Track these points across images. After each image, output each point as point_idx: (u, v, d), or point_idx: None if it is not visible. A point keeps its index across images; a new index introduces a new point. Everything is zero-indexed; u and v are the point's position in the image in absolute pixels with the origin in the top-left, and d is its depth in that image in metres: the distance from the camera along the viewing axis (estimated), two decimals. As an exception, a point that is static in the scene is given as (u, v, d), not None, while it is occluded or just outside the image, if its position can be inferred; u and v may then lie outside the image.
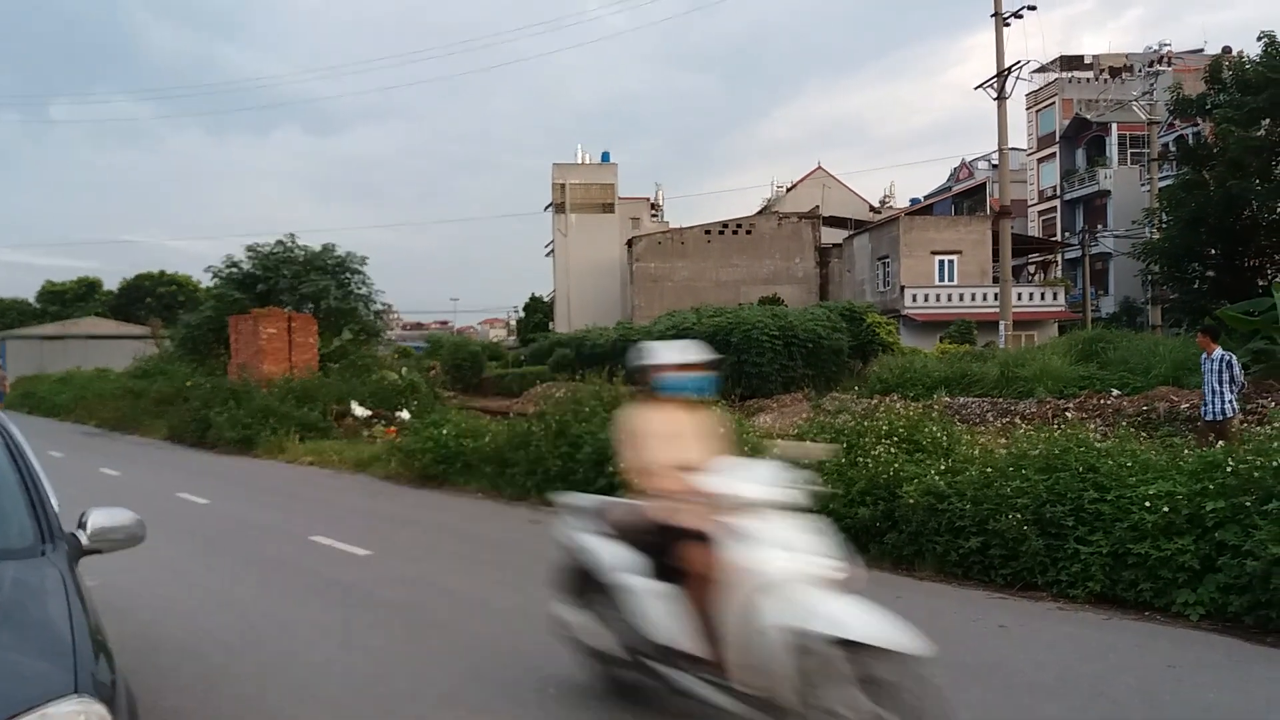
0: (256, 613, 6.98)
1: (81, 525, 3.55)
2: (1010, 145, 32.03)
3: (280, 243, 28.81)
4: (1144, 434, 9.72)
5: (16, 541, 3.38)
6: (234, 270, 28.45)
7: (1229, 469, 6.51)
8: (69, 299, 76.36)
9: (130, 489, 14.44)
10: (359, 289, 29.10)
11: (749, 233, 50.80)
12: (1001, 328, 29.11)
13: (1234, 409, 10.94)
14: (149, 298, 74.70)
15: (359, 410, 21.44)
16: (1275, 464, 6.20)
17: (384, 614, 6.91)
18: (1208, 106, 28.88)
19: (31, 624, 2.81)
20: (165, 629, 6.56)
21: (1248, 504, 6.23)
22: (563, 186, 58.57)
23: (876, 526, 8.19)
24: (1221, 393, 10.86)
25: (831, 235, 51.80)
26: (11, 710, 2.34)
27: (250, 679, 5.47)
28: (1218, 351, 11.01)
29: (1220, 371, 10.87)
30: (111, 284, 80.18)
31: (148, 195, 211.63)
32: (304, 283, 27.49)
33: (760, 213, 59.04)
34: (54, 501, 3.65)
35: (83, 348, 55.16)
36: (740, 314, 25.71)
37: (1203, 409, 11.29)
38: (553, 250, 60.75)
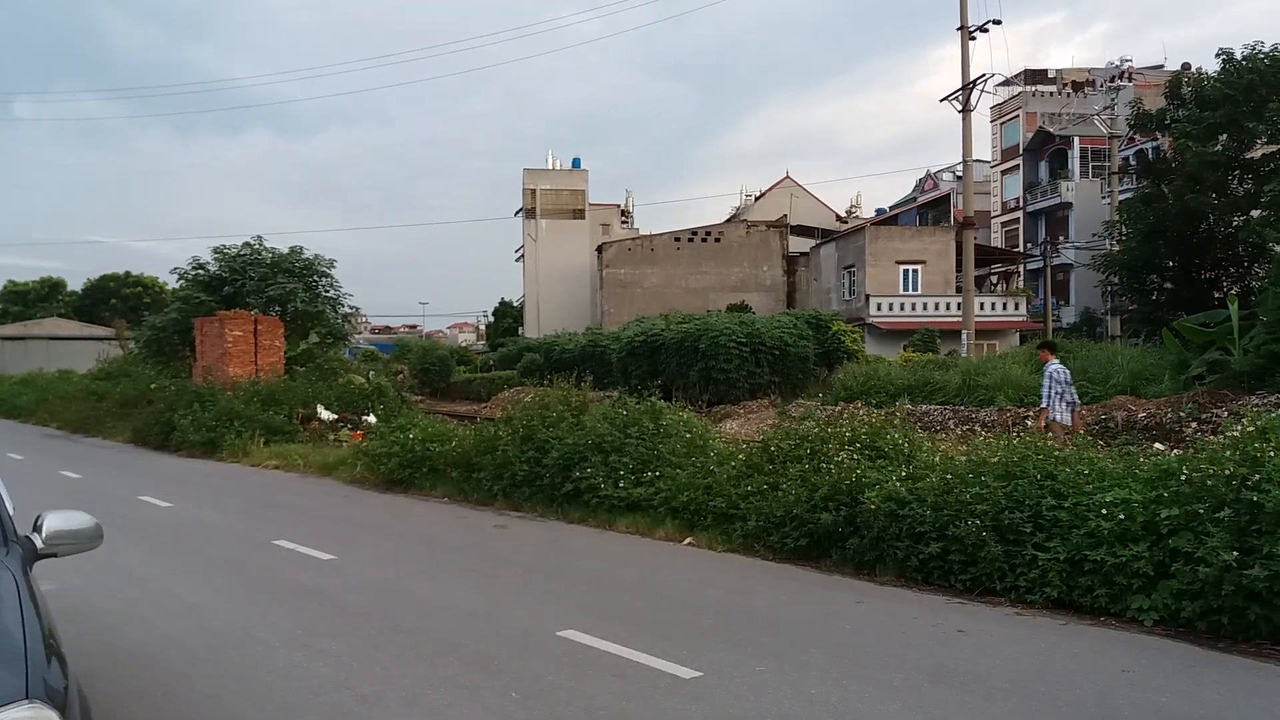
0: (218, 618, 6.89)
1: (36, 528, 3.50)
2: (975, 157, 32.35)
3: (247, 245, 28.64)
4: (1102, 442, 9.85)
5: None
6: (200, 272, 28.19)
7: (1183, 477, 6.62)
8: (31, 299, 75.11)
9: (91, 492, 14.21)
10: (327, 292, 28.93)
11: (718, 240, 50.98)
12: (964, 337, 29.34)
13: (1061, 417, 12.05)
14: (114, 299, 73.73)
15: (325, 414, 21.27)
16: (1227, 472, 6.30)
17: (347, 619, 6.85)
18: (1167, 122, 29.35)
19: (-17, 629, 2.75)
20: (123, 634, 6.46)
21: (1201, 511, 6.33)
22: (534, 192, 58.53)
23: (839, 531, 8.23)
24: (1059, 397, 12.10)
25: (799, 244, 52.11)
26: (-40, 716, 2.29)
27: (211, 685, 5.39)
28: (1050, 365, 12.36)
29: (1050, 381, 12.18)
30: (75, 285, 79.19)
31: (113, 196, 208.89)
32: (271, 285, 27.27)
33: (729, 221, 59.34)
34: (9, 504, 3.60)
35: (45, 349, 54.37)
36: (708, 321, 25.75)
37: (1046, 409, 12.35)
38: (523, 255, 60.62)
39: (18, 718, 2.36)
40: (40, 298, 75.55)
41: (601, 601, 7.26)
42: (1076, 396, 12.64)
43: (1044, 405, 12.17)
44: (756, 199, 65.49)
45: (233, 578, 8.34)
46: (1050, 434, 10.19)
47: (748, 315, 29.59)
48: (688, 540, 9.57)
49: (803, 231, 52.90)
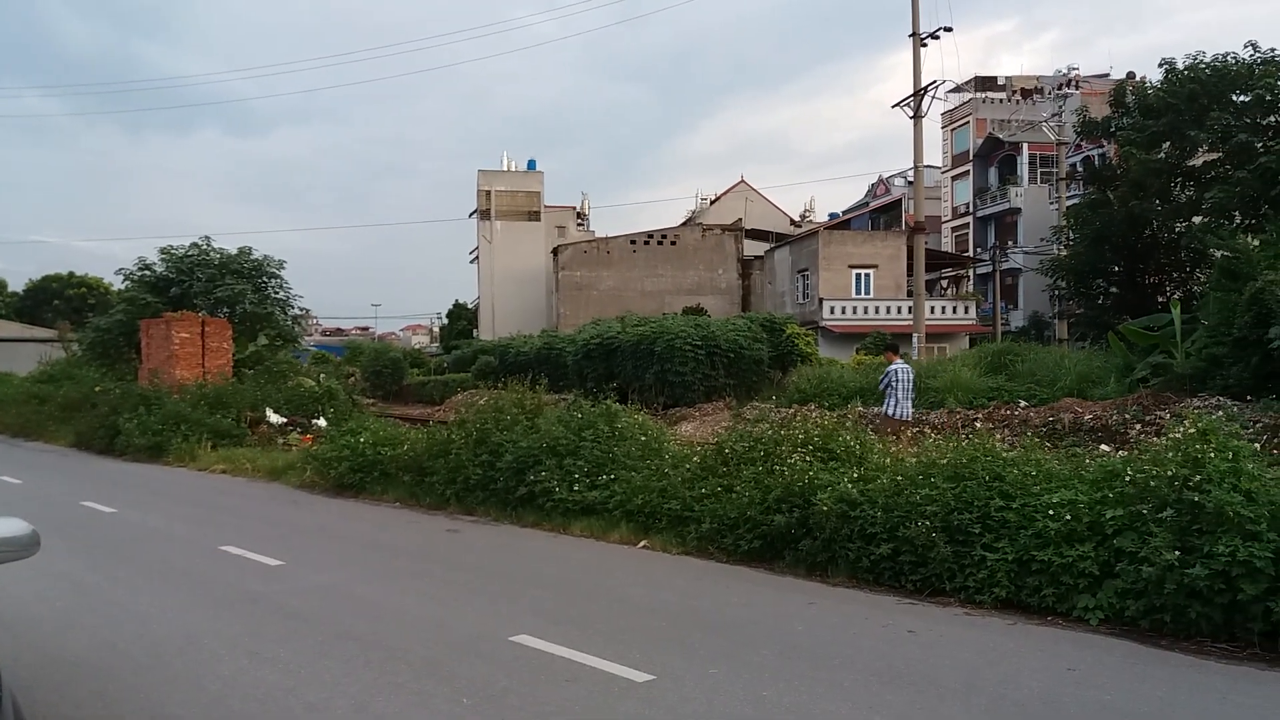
0: (162, 625, 6.74)
1: (-32, 535, 3.39)
2: (926, 163, 32.78)
3: (195, 245, 28.17)
4: (1049, 444, 10.02)
5: None
6: (146, 273, 27.67)
7: (1128, 478, 6.75)
8: (-32, 300, 73.16)
9: (31, 497, 13.86)
10: (276, 293, 28.50)
11: (674, 244, 51.12)
12: (915, 340, 29.68)
13: (898, 411, 13.52)
14: (57, 300, 71.98)
15: (274, 417, 20.96)
16: (1170, 473, 6.43)
17: (295, 625, 6.74)
18: (1112, 129, 29.98)
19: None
20: (63, 643, 6.30)
21: (1144, 512, 6.47)
22: (488, 193, 58.22)
23: (791, 533, 8.28)
24: (893, 395, 13.61)
25: (754, 248, 52.41)
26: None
27: (155, 694, 5.27)
28: (892, 365, 13.90)
29: (884, 380, 13.82)
30: (17, 285, 77.18)
31: (58, 195, 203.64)
32: (219, 286, 26.84)
33: (685, 224, 59.54)
34: (-60, 511, 3.47)
35: (-17, 351, 52.81)
36: (664, 324, 25.74)
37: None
38: (477, 257, 60.29)
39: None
40: (-23, 298, 73.65)
41: (555, 606, 7.23)
42: (912, 394, 14.18)
43: (894, 413, 13.50)
44: (712, 203, 65.77)
45: (178, 584, 8.17)
46: (889, 429, 11.73)
47: (703, 319, 29.65)
48: (643, 543, 9.56)
49: (758, 235, 53.20)
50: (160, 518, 12.17)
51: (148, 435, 19.36)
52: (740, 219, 55.28)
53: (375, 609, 7.20)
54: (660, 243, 51.16)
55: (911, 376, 13.88)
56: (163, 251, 27.86)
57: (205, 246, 28.14)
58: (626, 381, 24.16)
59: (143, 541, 10.37)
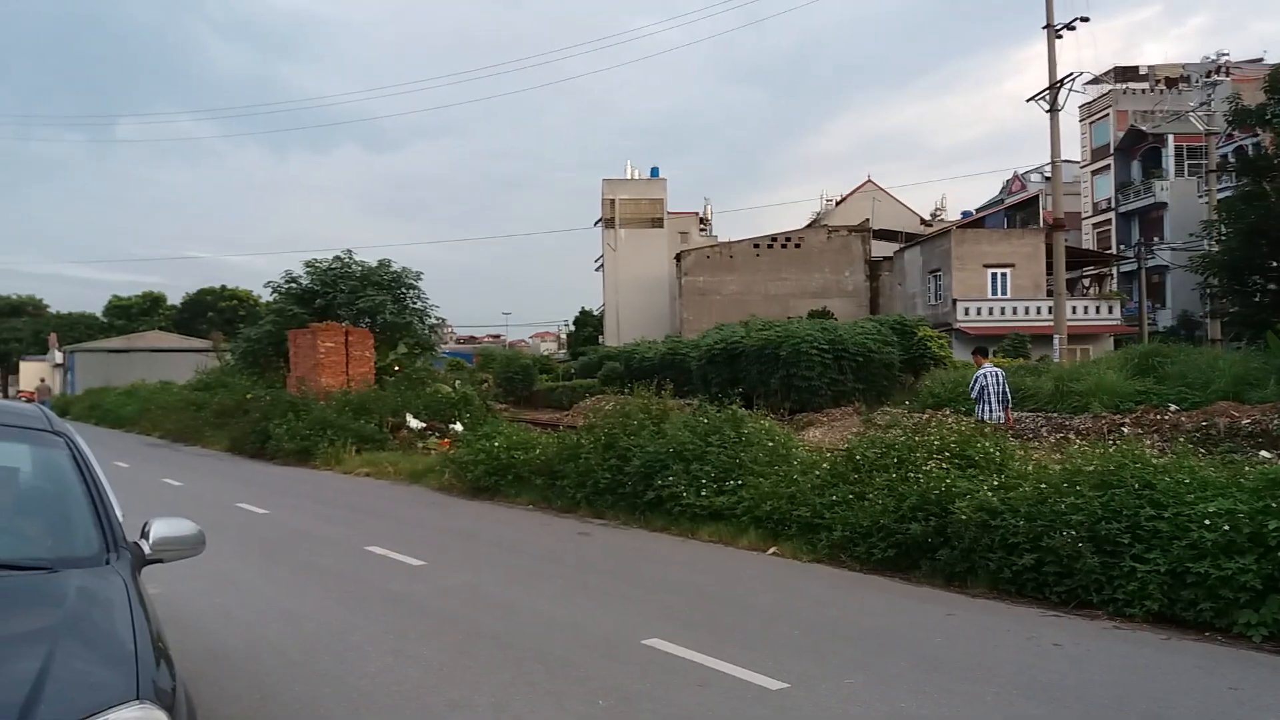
0: (312, 622, 7.06)
1: (144, 535, 3.62)
2: (1063, 157, 31.55)
3: (338, 258, 29.24)
4: (1203, 450, 9.47)
5: (82, 550, 3.45)
6: (293, 285, 28.89)
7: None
8: (134, 313, 78.39)
9: (192, 499, 14.73)
10: (414, 303, 29.40)
11: (798, 246, 50.59)
12: (1056, 341, 28.61)
13: (994, 417, 12.92)
14: (210, 312, 76.51)
15: (414, 422, 21.66)
16: (1341, 482, 5.99)
17: (437, 624, 6.96)
18: (1267, 117, 28.17)
19: (96, 631, 2.86)
20: (222, 638, 6.67)
21: (1313, 523, 6.04)
22: (612, 202, 58.91)
23: (928, 542, 8.07)
24: (985, 403, 13.17)
25: (882, 249, 51.38)
26: (76, 715, 2.38)
27: (305, 689, 5.52)
28: (981, 369, 13.54)
29: (974, 385, 13.45)
30: (175, 298, 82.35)
31: (209, 212, 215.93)
32: (361, 297, 27.85)
33: (809, 226, 58.76)
34: (118, 511, 3.73)
35: (147, 361, 56.44)
36: (789, 327, 25.50)
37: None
38: (602, 265, 61.06)
39: (130, 718, 2.44)
40: (142, 311, 78.79)
41: (686, 610, 7.24)
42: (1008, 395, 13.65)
43: (989, 418, 12.90)
44: (837, 204, 64.82)
45: (326, 583, 8.55)
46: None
47: (830, 321, 29.28)
48: (772, 550, 9.49)
49: (886, 236, 52.13)
50: (309, 519, 12.75)
51: (296, 440, 20.30)
52: (867, 219, 54.28)
53: (511, 609, 7.36)
54: (784, 246, 50.70)
55: (1003, 380, 13.41)
56: (307, 265, 29.03)
57: (347, 259, 29.22)
58: (751, 386, 24.03)
59: (293, 541, 10.89)
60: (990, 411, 13.09)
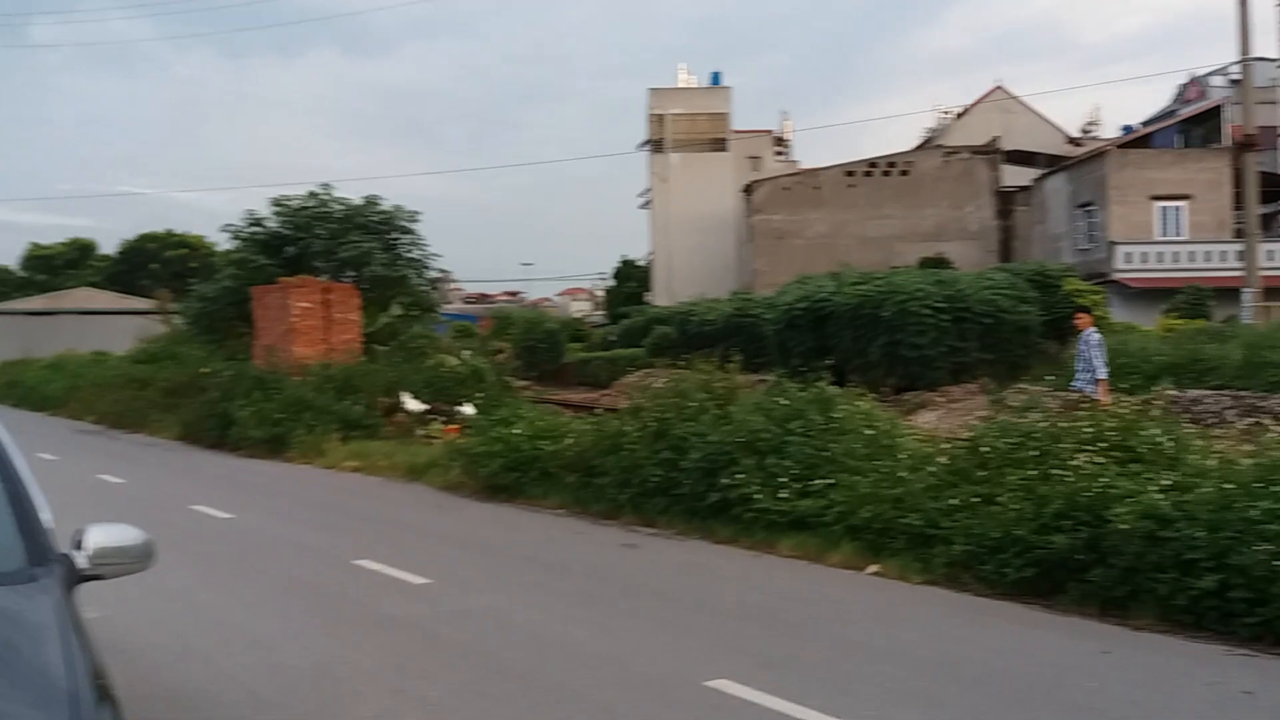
0: (289, 654, 7.20)
1: (78, 545, 3.66)
2: (1256, 55, 30.82)
3: (313, 195, 29.32)
4: None
5: (2, 564, 3.46)
6: (257, 229, 29.05)
7: None
8: (58, 265, 79.46)
9: (136, 500, 15.03)
10: (409, 252, 29.56)
11: (905, 174, 50.21)
12: (1246, 297, 28.13)
13: (1090, 386, 13.63)
14: (154, 263, 77.29)
15: (412, 404, 21.84)
16: None
17: (446, 657, 7.07)
18: None
19: (21, 664, 2.90)
20: (179, 673, 6.82)
21: None
22: (661, 119, 58.63)
23: (1077, 559, 8.01)
24: (1089, 370, 13.84)
25: (1016, 176, 50.83)
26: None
27: (282, 736, 5.63)
28: (1092, 332, 14.25)
29: (1083, 349, 14.15)
30: (109, 246, 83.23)
31: (150, 136, 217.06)
32: (343, 245, 27.94)
33: (921, 147, 58.21)
34: (47, 516, 3.76)
35: (76, 325, 57.28)
36: (894, 280, 25.32)
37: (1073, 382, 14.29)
38: (649, 201, 60.96)
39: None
40: (69, 263, 79.85)
41: (761, 644, 7.28)
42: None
43: (1102, 377, 13.77)
44: (958, 117, 63.92)
45: (306, 604, 8.70)
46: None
47: (947, 272, 29.04)
48: (872, 568, 9.48)
49: (1022, 159, 51.53)
50: (284, 525, 12.98)
51: (265, 426, 20.59)
52: (997, 138, 53.53)
53: (539, 640, 7.44)
54: (887, 173, 50.33)
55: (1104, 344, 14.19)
56: (275, 203, 29.10)
57: (325, 196, 29.28)
58: (844, 357, 23.91)
59: (265, 553, 11.09)
60: (1095, 381, 13.78)
